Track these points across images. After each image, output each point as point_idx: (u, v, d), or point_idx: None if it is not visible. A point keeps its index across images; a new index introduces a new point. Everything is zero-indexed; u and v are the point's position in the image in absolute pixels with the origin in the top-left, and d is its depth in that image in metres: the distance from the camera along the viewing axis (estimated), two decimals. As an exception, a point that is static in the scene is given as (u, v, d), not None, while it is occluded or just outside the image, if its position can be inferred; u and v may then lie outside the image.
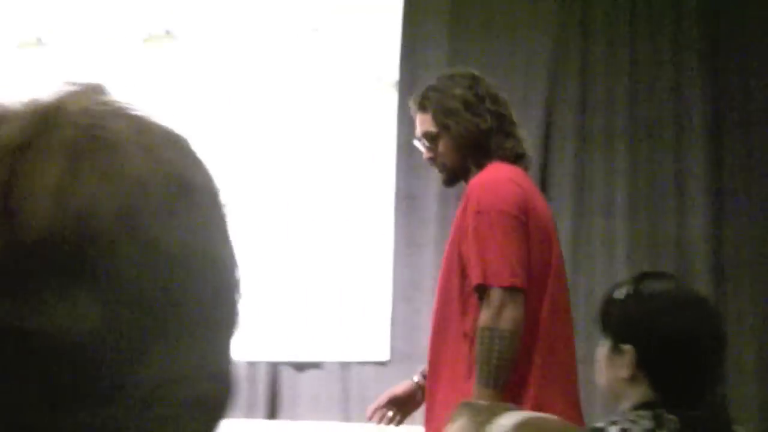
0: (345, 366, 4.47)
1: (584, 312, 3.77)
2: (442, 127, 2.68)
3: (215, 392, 0.58)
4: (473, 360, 2.54)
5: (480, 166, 2.68)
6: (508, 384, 2.50)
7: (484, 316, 2.52)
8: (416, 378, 2.88)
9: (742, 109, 4.23)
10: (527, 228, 2.58)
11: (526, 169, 2.76)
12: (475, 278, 2.56)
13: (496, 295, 2.52)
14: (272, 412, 4.49)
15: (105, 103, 0.59)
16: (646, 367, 1.91)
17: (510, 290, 2.52)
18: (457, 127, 2.67)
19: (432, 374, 2.71)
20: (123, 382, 0.54)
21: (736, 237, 4.17)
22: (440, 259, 2.82)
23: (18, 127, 0.55)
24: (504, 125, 2.69)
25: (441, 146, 2.70)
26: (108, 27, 4.92)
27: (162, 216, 0.55)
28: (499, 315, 2.50)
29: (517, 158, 2.71)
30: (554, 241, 2.71)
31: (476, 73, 2.79)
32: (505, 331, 2.49)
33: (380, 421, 2.88)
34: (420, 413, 2.83)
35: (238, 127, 4.74)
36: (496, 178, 2.63)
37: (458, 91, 2.68)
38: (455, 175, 2.74)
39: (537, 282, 2.60)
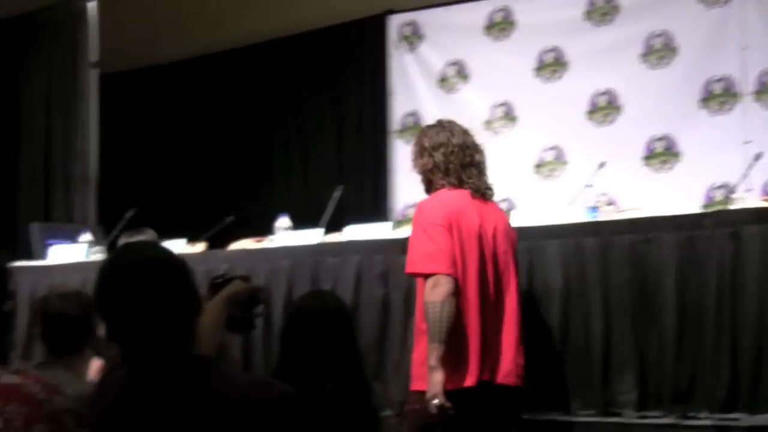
0: None
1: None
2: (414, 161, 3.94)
3: None
4: None
5: (431, 191, 3.83)
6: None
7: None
8: None
9: None
10: (451, 232, 3.59)
11: (475, 192, 3.76)
12: None
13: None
14: None
15: None
16: None
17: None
18: (416, 164, 3.91)
19: None
20: None
21: None
22: None
23: None
24: (441, 167, 3.79)
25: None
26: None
27: None
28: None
29: (460, 185, 3.77)
30: (485, 245, 3.69)
31: (436, 123, 3.90)
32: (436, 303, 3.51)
33: None
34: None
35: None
36: (428, 201, 3.76)
37: (417, 142, 3.90)
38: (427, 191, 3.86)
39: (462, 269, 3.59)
